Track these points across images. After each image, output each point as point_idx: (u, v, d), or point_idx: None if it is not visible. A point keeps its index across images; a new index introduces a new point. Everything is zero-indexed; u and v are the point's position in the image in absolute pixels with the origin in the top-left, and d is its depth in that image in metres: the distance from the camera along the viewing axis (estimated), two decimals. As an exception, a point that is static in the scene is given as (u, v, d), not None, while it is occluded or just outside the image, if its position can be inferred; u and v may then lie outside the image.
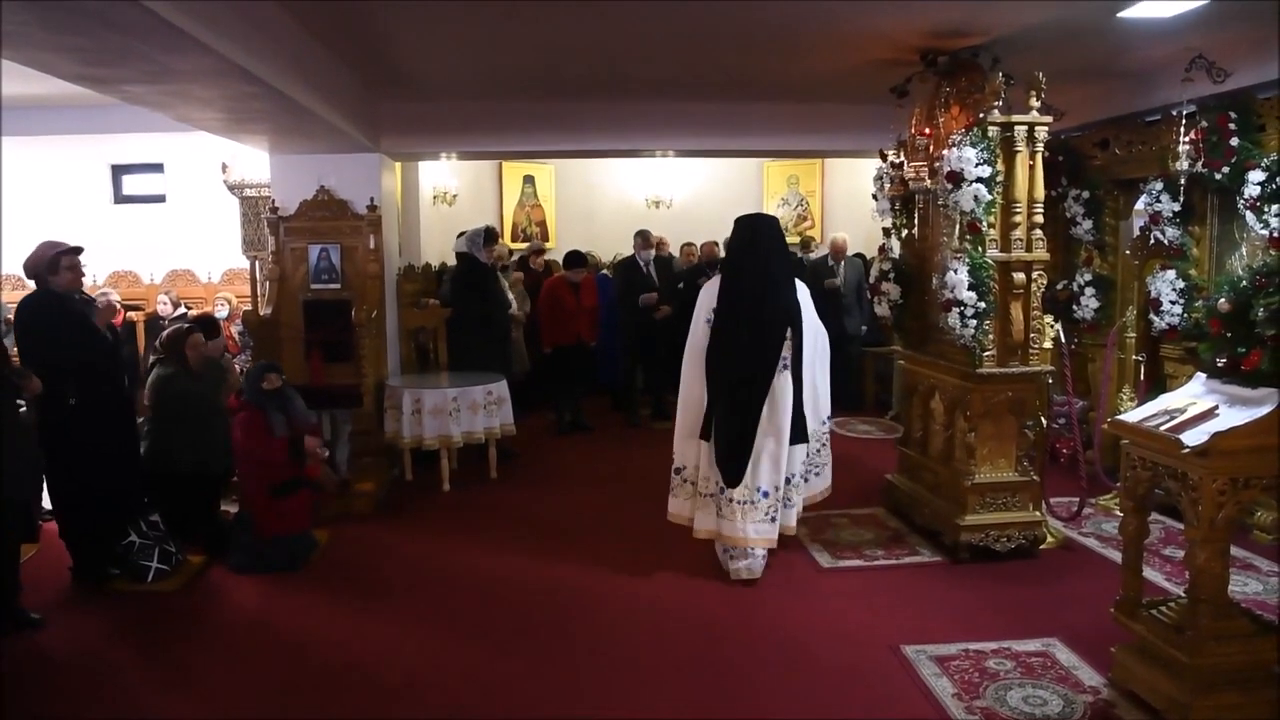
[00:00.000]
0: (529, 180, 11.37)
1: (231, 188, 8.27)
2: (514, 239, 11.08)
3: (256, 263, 8.22)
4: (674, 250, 10.02)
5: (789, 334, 5.05)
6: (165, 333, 6.00)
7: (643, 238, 9.17)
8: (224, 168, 8.25)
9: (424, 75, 6.62)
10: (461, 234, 8.29)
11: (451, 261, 8.79)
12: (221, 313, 8.44)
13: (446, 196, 10.32)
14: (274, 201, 7.23)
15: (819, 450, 5.48)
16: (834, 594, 5.00)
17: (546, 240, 11.22)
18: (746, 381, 5.04)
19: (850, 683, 3.99)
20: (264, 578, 5.28)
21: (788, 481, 5.15)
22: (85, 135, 9.39)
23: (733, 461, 5.03)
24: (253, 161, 7.84)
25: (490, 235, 8.07)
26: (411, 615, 4.82)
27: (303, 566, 5.44)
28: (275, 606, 4.96)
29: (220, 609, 4.97)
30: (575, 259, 8.83)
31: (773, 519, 5.06)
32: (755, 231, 5.26)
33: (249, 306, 8.12)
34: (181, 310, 8.65)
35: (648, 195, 11.61)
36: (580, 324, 8.76)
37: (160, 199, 10.26)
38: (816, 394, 5.34)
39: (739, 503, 5.03)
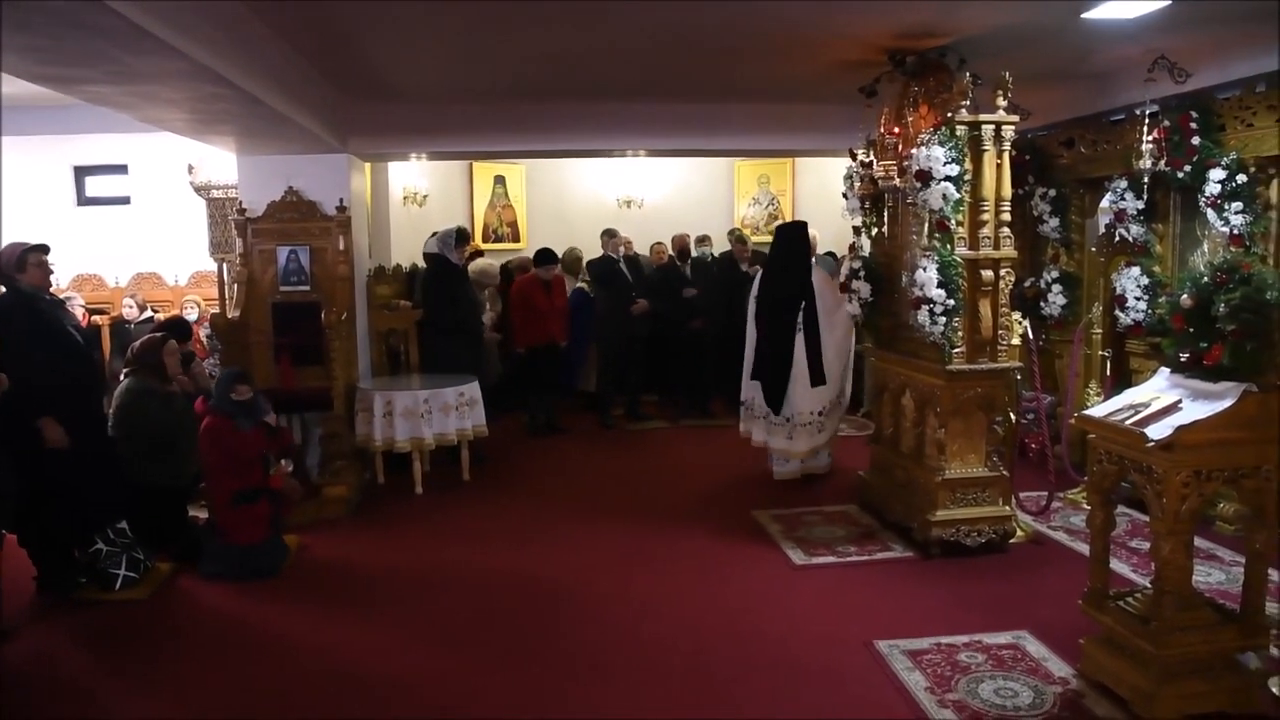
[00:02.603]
0: (500, 181, 11.32)
1: (198, 189, 8.18)
2: (485, 239, 11.04)
3: (224, 265, 8.14)
4: (639, 249, 10.03)
5: (803, 306, 6.74)
6: (138, 343, 5.87)
7: (609, 235, 9.22)
8: (190, 169, 8.16)
9: (394, 76, 6.59)
10: (433, 235, 8.25)
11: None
12: (190, 316, 8.35)
13: (417, 197, 10.26)
14: (241, 203, 7.16)
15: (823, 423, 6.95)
16: (807, 591, 5.04)
17: (518, 241, 11.21)
18: (776, 341, 6.86)
19: (824, 678, 4.02)
20: (236, 584, 5.22)
21: (820, 413, 6.86)
22: (47, 136, 9.24)
23: (772, 396, 6.91)
24: (219, 163, 7.75)
25: (462, 236, 8.03)
26: (388, 618, 4.80)
27: (275, 574, 5.38)
28: (248, 613, 4.91)
29: (192, 616, 4.91)
30: (546, 256, 8.80)
31: (800, 436, 6.87)
32: (785, 234, 7.18)
33: (217, 309, 8.04)
34: (148, 314, 8.55)
35: (619, 195, 11.61)
36: (552, 323, 8.74)
37: (125, 201, 10.10)
38: (839, 352, 6.92)
39: (777, 424, 6.94)
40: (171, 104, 5.02)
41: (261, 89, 4.98)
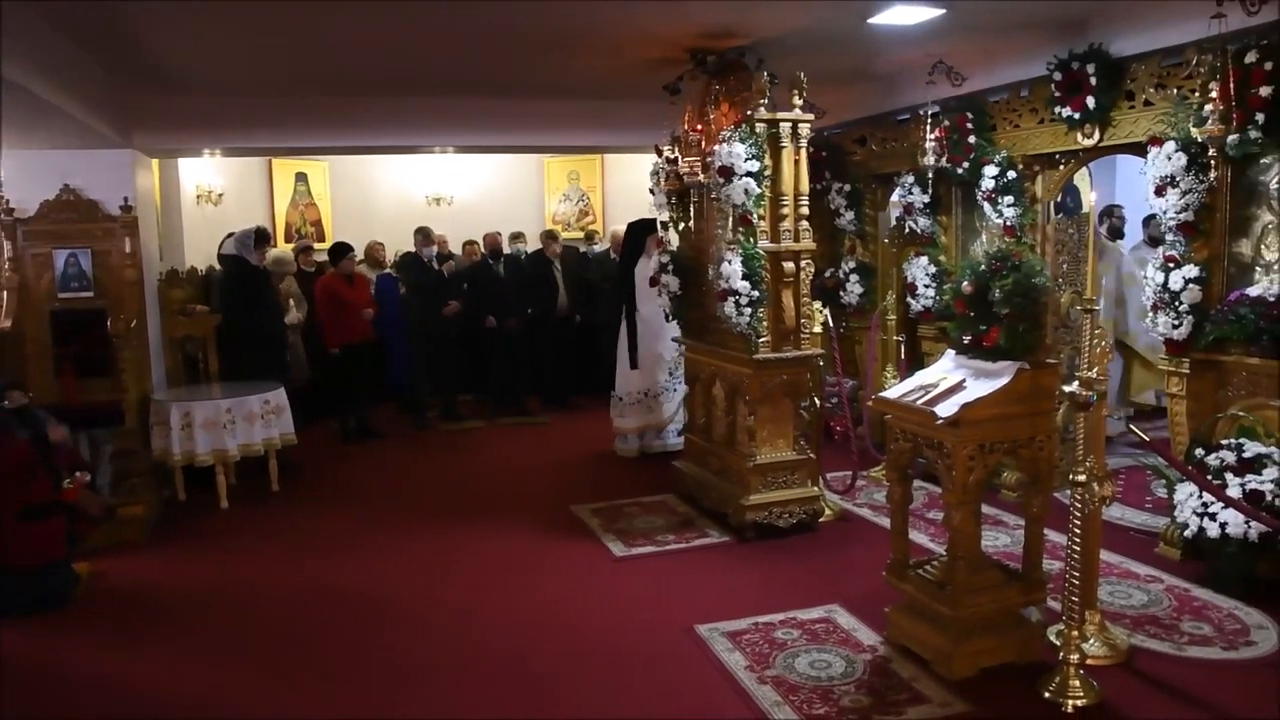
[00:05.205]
0: (301, 178, 10.87)
1: (-45, 188, 7.44)
2: (287, 239, 10.56)
3: (-10, 271, 7.45)
4: (454, 248, 9.89)
5: (627, 295, 7.41)
6: None
7: (424, 234, 9.02)
8: (-55, 166, 7.41)
9: (181, 68, 6.19)
10: (229, 235, 7.84)
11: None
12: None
13: (211, 195, 9.69)
14: (8, 202, 6.58)
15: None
16: (629, 581, 5.11)
17: (322, 240, 10.79)
18: (614, 325, 7.62)
19: (647, 666, 4.09)
20: (16, 620, 4.75)
21: (647, 394, 7.48)
22: None
23: (612, 375, 7.57)
24: (-20, 159, 7.09)
25: (262, 236, 7.68)
26: (195, 643, 4.52)
27: (64, 604, 4.96)
28: (31, 650, 4.49)
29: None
30: (342, 249, 8.53)
31: (630, 414, 7.52)
32: (631, 230, 7.69)
33: (-16, 320, 7.35)
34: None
35: (428, 193, 11.38)
36: (361, 318, 8.46)
37: None
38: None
39: (621, 401, 7.51)
40: (-85, 91, 4.54)
41: (21, 73, 4.52)
